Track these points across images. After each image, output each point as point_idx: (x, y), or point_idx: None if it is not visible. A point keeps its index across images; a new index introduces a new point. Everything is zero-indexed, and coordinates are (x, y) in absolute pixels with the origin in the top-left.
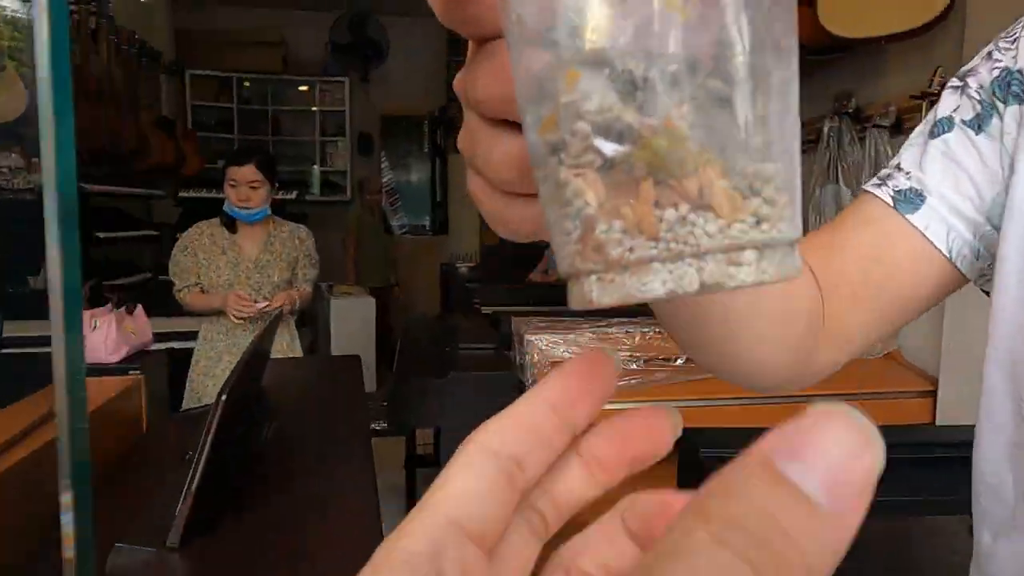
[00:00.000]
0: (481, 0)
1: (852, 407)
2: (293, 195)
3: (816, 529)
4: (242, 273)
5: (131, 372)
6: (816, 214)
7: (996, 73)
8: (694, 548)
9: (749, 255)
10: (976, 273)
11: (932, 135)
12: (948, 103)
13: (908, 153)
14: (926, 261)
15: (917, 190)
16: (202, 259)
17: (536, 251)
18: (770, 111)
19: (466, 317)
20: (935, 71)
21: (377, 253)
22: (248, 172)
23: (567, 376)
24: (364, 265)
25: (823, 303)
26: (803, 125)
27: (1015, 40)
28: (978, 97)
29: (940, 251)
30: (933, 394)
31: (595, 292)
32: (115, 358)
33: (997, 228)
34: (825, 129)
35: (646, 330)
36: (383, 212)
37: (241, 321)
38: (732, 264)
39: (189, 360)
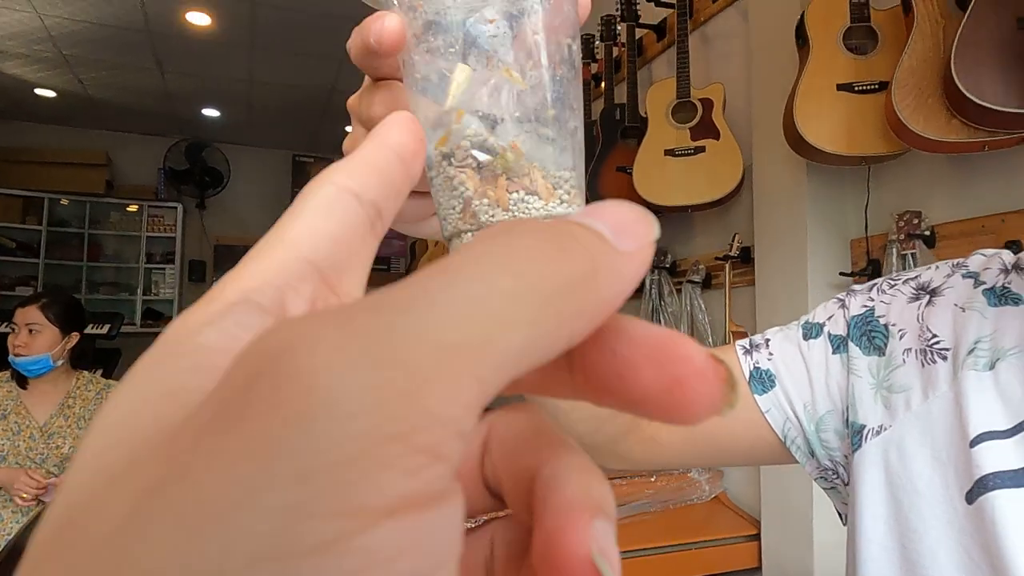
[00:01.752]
0: (383, 57)
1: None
2: (104, 329)
3: (603, 249)
4: (21, 443)
5: None
6: None
7: (863, 310)
8: (496, 235)
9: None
10: (815, 472)
11: (804, 332)
12: (828, 310)
13: (781, 336)
14: (763, 438)
15: (771, 374)
16: None
17: None
18: (567, 142)
19: None
20: (733, 236)
21: None
22: (28, 314)
23: (405, 126)
24: None
25: None
26: None
27: (895, 288)
28: (846, 320)
29: (776, 434)
30: (758, 537)
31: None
32: None
33: (822, 440)
34: (647, 281)
35: None
36: None
37: (24, 500)
38: None
39: None
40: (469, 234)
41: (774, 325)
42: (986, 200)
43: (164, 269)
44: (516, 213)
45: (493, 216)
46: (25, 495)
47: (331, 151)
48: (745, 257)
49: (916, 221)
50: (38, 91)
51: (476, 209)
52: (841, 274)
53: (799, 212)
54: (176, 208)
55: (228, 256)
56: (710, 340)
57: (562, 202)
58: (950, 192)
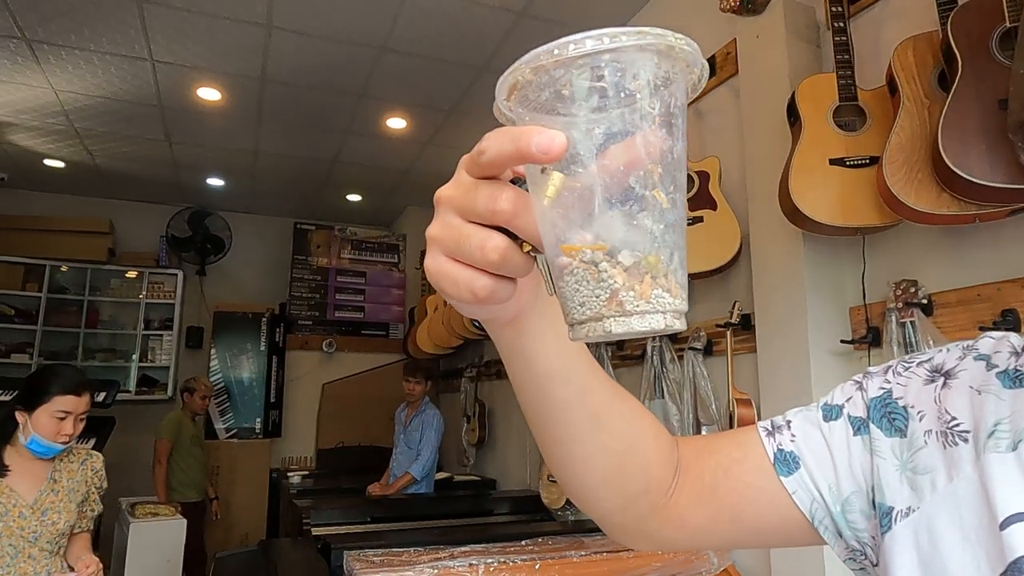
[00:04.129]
0: (534, 163)
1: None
2: (100, 397)
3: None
4: (12, 522)
5: None
6: None
7: (880, 392)
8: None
9: (679, 313)
10: (843, 554)
11: (824, 414)
12: (846, 392)
13: (802, 417)
14: (791, 519)
15: (795, 456)
16: None
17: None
18: (685, 254)
19: (294, 543)
20: (734, 304)
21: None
22: (83, 403)
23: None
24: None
25: (675, 485)
26: (627, 344)
27: (910, 371)
28: (865, 402)
29: (804, 515)
30: None
31: (612, 327)
32: None
33: (848, 520)
34: (649, 348)
35: (490, 561)
36: (207, 414)
37: None
38: (674, 318)
39: None
40: (612, 320)
41: (776, 392)
42: (981, 269)
43: (162, 335)
44: (655, 304)
45: (637, 306)
46: None
47: (333, 218)
48: (746, 324)
49: (913, 290)
50: (47, 161)
51: (623, 299)
52: (842, 342)
53: (797, 280)
54: (176, 275)
55: (227, 322)
56: (713, 407)
57: (683, 300)
58: (945, 261)
